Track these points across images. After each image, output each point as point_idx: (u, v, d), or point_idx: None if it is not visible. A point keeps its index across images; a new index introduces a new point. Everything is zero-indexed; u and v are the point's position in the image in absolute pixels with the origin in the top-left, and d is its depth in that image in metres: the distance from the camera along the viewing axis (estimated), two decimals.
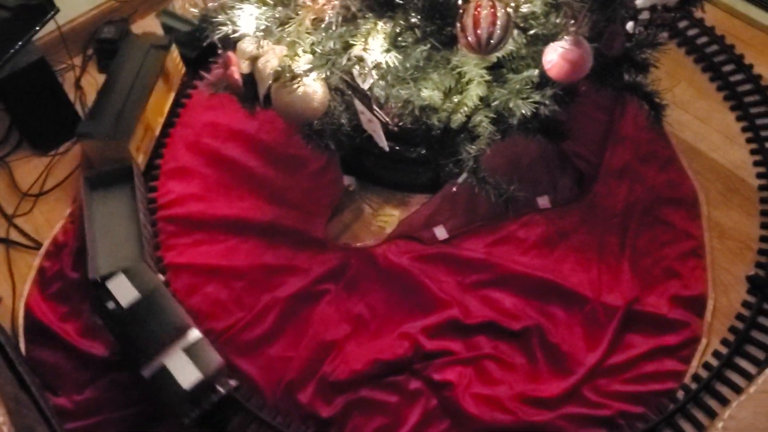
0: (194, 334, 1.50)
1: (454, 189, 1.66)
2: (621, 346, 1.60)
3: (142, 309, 1.50)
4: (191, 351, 1.47)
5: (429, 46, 1.23)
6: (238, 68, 1.40)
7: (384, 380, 1.59)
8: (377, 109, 1.29)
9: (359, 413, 1.56)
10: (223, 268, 1.77)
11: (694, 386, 1.54)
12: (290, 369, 1.61)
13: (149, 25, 2.29)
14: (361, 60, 1.23)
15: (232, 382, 1.51)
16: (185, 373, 1.43)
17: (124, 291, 1.50)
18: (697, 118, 1.99)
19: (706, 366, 1.57)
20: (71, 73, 2.17)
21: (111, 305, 1.48)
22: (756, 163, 1.89)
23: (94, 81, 2.15)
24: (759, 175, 1.87)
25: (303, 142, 1.55)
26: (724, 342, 1.60)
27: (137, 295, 1.50)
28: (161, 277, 1.68)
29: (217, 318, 1.69)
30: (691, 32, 2.15)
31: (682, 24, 2.15)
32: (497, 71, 1.48)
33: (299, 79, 1.27)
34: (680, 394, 1.54)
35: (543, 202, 1.86)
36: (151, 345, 1.47)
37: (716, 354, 1.59)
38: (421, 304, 1.69)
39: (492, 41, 1.16)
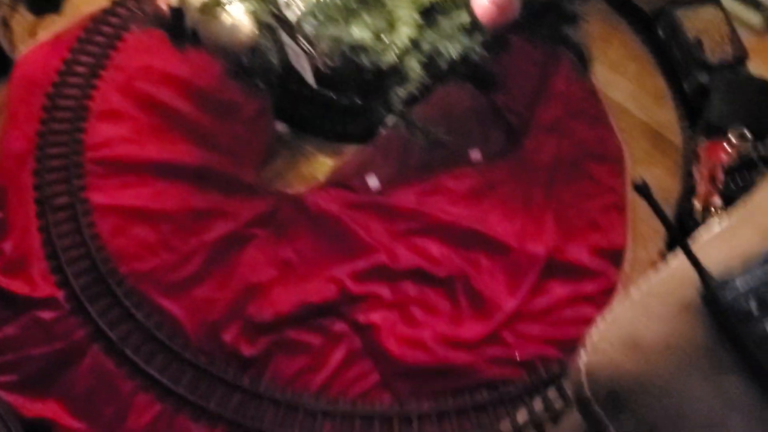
0: None
1: (384, 133, 1.67)
2: (541, 293, 1.64)
3: None
4: None
5: None
6: None
7: (309, 322, 1.61)
8: (302, 40, 1.29)
9: (282, 353, 1.57)
10: (151, 211, 1.75)
11: None
12: (215, 310, 1.61)
13: None
14: None
15: None
16: None
17: None
18: (628, 79, 2.03)
19: None
20: None
21: None
22: (681, 124, 1.95)
23: (23, 20, 2.09)
24: (683, 135, 1.93)
25: (232, 80, 1.54)
26: None
27: None
28: None
29: (143, 259, 1.68)
30: None
31: None
32: (429, 16, 1.50)
33: (224, 9, 1.26)
34: None
35: (475, 154, 1.88)
36: None
37: None
38: (350, 250, 1.70)
39: None
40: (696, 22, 1.92)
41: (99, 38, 2.02)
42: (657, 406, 0.72)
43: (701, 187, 1.63)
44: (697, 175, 1.67)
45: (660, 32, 2.00)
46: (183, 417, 1.52)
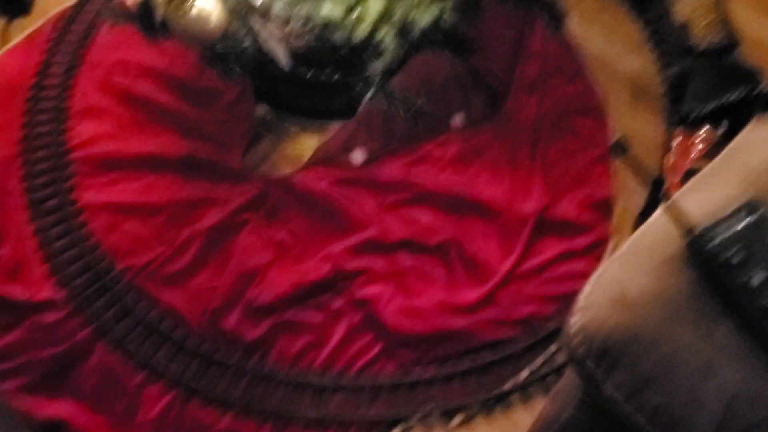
0: None
1: (366, 107, 1.67)
2: (534, 252, 1.66)
3: None
4: None
5: None
6: None
7: (308, 301, 1.63)
8: (272, 23, 1.29)
9: (284, 334, 1.59)
10: (142, 205, 1.75)
11: None
12: (214, 297, 1.62)
13: None
14: None
15: None
16: None
17: None
18: (603, 31, 2.03)
19: None
20: None
21: None
22: (660, 70, 1.95)
23: None
24: (663, 81, 1.93)
25: (208, 67, 1.53)
26: None
27: None
28: None
29: (138, 254, 1.69)
30: None
31: None
32: None
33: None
34: None
35: (458, 120, 1.88)
36: None
37: None
38: (342, 227, 1.72)
39: None
40: (687, 5, 1.88)
41: (71, 36, 2.01)
42: (649, 358, 0.74)
43: (669, 179, 1.63)
44: (666, 166, 1.67)
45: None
46: (192, 405, 1.54)
